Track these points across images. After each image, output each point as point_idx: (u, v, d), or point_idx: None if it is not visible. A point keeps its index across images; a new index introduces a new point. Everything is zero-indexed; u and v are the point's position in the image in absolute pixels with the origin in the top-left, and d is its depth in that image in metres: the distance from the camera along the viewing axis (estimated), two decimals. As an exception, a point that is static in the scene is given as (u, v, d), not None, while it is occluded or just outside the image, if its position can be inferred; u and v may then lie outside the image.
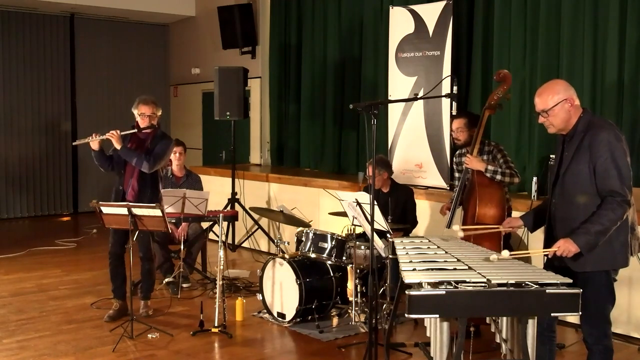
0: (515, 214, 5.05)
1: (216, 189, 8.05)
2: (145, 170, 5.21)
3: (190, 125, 11.22)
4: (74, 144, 5.53)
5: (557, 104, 3.39)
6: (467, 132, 5.03)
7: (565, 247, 3.30)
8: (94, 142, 5.16)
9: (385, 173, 5.70)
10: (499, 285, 2.86)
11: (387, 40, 7.15)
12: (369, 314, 4.21)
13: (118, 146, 5.16)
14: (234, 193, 8.00)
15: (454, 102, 6.42)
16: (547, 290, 2.83)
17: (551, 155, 4.40)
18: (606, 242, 3.32)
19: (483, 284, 2.87)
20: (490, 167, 4.74)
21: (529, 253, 4.25)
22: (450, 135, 6.12)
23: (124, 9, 10.28)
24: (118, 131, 5.18)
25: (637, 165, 5.46)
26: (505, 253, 3.27)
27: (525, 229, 3.87)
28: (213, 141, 10.64)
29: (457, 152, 5.27)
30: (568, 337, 5.07)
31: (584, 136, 3.36)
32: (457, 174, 5.24)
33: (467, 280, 2.91)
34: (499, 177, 4.74)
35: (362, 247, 5.30)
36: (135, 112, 5.29)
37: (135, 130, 5.27)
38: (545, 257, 3.64)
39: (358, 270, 5.21)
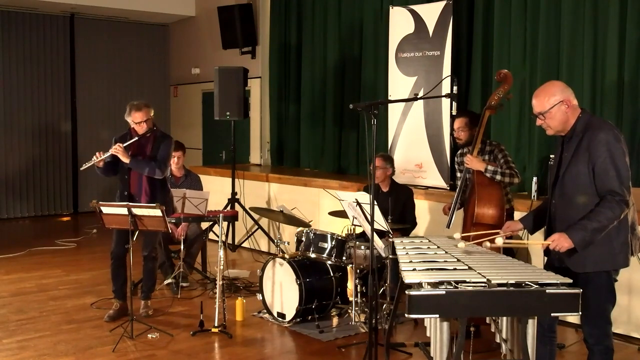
0: (516, 214, 5.06)
1: (216, 189, 8.06)
2: (159, 177, 5.23)
3: (190, 125, 11.22)
4: (81, 169, 5.47)
5: (553, 106, 3.38)
6: (468, 131, 5.03)
7: (559, 241, 3.29)
8: (101, 162, 5.15)
9: (390, 169, 5.75)
10: (499, 285, 2.86)
11: (387, 40, 7.15)
12: (369, 314, 4.21)
13: (126, 160, 5.14)
14: (234, 193, 8.00)
15: (454, 102, 6.43)
16: (547, 290, 2.83)
17: (551, 155, 4.39)
18: (606, 243, 3.31)
19: (483, 284, 2.87)
20: (490, 167, 4.74)
21: (524, 244, 4.24)
22: (451, 135, 6.13)
23: (123, 9, 10.28)
24: (121, 145, 5.14)
25: (637, 165, 5.46)
26: (461, 245, 3.45)
27: (526, 230, 3.86)
28: (213, 141, 10.64)
29: (459, 152, 5.27)
30: (568, 337, 5.07)
31: (583, 137, 3.35)
32: (458, 174, 5.24)
33: (467, 280, 2.90)
34: (498, 177, 4.73)
35: (362, 247, 5.31)
36: (129, 119, 5.25)
37: (137, 138, 5.24)
38: (546, 258, 3.64)
39: (358, 270, 5.21)
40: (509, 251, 4.46)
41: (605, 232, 3.28)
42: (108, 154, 5.13)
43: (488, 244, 3.28)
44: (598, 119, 3.53)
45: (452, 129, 5.60)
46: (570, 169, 3.38)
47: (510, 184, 4.85)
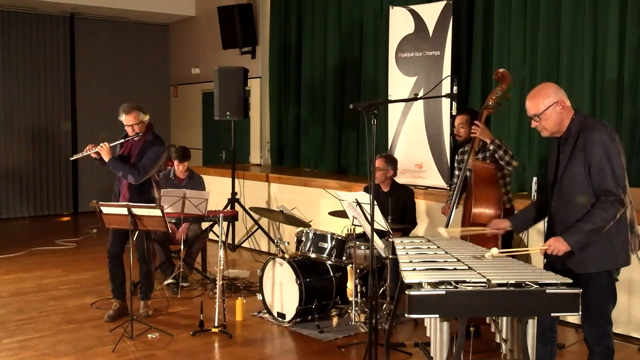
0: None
1: (216, 189, 8.05)
2: (132, 182, 5.20)
3: (190, 125, 11.22)
4: (71, 158, 5.56)
5: (548, 107, 3.40)
6: (468, 128, 5.04)
7: (555, 245, 3.31)
8: (93, 154, 5.19)
9: (391, 170, 5.77)
10: (499, 285, 2.86)
11: (387, 40, 7.15)
12: (369, 314, 4.21)
13: (106, 159, 5.17)
14: (234, 193, 8.00)
15: (454, 102, 6.43)
16: (547, 290, 2.83)
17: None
18: (607, 242, 3.32)
19: (483, 284, 2.87)
20: (496, 141, 4.78)
21: (520, 251, 4.25)
22: (451, 134, 6.14)
23: (123, 9, 10.28)
24: (107, 144, 5.18)
25: (637, 165, 5.45)
26: (494, 250, 3.29)
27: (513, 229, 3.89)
28: (213, 141, 10.64)
29: (460, 150, 5.28)
30: (568, 337, 5.07)
31: (578, 137, 3.37)
32: (457, 172, 5.25)
33: (467, 280, 2.90)
34: (501, 152, 4.77)
35: (362, 247, 5.31)
36: (122, 120, 5.29)
37: (123, 141, 5.27)
38: (546, 259, 3.65)
39: (358, 270, 5.21)
40: (506, 247, 4.47)
41: (605, 232, 3.29)
42: (95, 149, 5.17)
43: (490, 254, 3.29)
44: (592, 118, 3.55)
45: (452, 128, 5.61)
46: (568, 170, 3.39)
47: (509, 164, 4.85)
